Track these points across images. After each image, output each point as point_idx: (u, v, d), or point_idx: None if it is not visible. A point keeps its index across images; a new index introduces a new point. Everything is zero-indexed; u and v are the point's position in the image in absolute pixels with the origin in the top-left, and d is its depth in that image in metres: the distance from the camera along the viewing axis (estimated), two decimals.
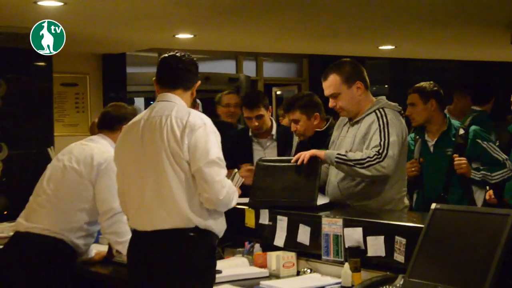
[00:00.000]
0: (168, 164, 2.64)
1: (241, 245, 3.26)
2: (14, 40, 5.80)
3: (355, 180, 3.20)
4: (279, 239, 3.12)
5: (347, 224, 2.83)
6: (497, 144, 4.06)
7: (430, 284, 2.28)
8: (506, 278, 2.21)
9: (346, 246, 2.81)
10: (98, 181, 3.21)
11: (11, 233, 3.40)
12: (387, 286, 2.48)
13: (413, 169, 3.84)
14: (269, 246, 3.13)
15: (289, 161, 3.25)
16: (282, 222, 3.12)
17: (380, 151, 3.09)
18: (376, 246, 2.72)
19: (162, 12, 5.59)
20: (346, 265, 2.72)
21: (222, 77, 9.11)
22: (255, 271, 3.01)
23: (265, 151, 4.22)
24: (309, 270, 2.95)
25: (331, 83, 3.27)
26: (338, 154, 3.14)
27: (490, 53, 8.95)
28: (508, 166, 3.82)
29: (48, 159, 4.66)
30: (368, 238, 2.75)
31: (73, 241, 3.20)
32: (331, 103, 3.31)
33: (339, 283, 2.73)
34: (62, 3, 5.06)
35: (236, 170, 3.09)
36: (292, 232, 3.08)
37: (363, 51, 8.60)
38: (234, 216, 3.37)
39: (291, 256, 2.99)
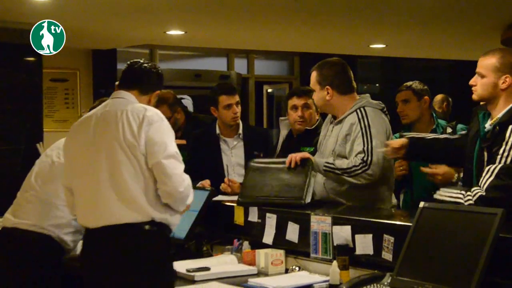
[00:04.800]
0: (124, 156, 2.64)
1: (230, 242, 3.25)
2: (3, 35, 5.77)
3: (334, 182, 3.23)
4: (268, 237, 3.12)
5: (335, 222, 2.84)
6: None
7: (417, 282, 2.28)
8: (492, 276, 2.22)
9: (335, 244, 2.81)
10: None
11: None
12: (375, 284, 2.48)
13: (401, 168, 3.85)
14: (258, 244, 3.13)
15: (280, 162, 3.26)
16: (271, 220, 3.12)
17: (365, 158, 3.13)
18: (364, 244, 2.72)
19: (153, 7, 5.57)
20: (335, 263, 2.72)
21: (213, 74, 9.10)
22: (243, 268, 3.01)
23: (232, 151, 4.14)
24: (297, 268, 2.95)
25: (311, 78, 3.40)
26: (327, 162, 3.19)
27: (481, 53, 8.99)
28: None
29: (37, 154, 4.64)
30: (357, 236, 2.75)
31: (60, 237, 3.18)
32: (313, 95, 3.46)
33: (327, 281, 2.72)
34: None
35: None
36: (281, 229, 3.08)
37: (354, 50, 8.62)
38: (223, 213, 3.39)
39: (279, 253, 2.99)
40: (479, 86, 2.80)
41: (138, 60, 2.93)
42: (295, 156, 3.21)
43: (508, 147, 2.61)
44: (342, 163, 3.16)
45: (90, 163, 2.71)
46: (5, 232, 3.22)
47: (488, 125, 2.77)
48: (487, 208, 2.35)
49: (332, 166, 3.17)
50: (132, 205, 2.64)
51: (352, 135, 3.21)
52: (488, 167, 2.63)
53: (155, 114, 2.71)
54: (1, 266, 3.16)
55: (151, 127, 2.65)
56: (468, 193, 2.64)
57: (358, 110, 3.26)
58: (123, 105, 2.74)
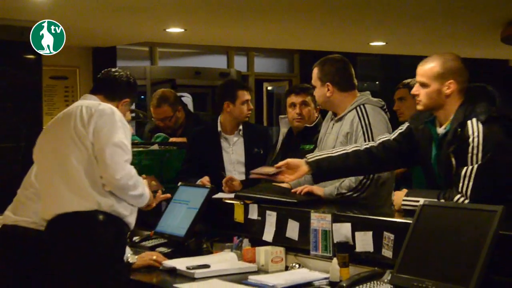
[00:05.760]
0: (73, 145, 2.73)
1: (230, 240, 3.25)
2: (3, 33, 5.77)
3: (339, 181, 3.23)
4: (268, 234, 3.12)
5: (335, 219, 2.84)
6: None
7: (417, 279, 2.28)
8: (493, 273, 2.22)
9: (335, 242, 2.81)
10: None
11: None
12: (375, 282, 2.49)
13: None
14: (258, 241, 3.13)
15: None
16: (271, 217, 3.12)
17: None
18: (364, 241, 2.72)
19: (153, 5, 5.57)
20: (335, 260, 2.72)
21: (213, 72, 9.10)
22: (243, 266, 3.01)
23: (232, 148, 4.15)
24: (297, 265, 2.95)
25: (312, 75, 3.41)
26: (337, 191, 3.19)
27: (480, 50, 9.01)
28: None
29: None
30: (357, 234, 2.75)
31: None
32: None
33: (327, 278, 2.73)
34: None
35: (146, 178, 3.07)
36: (281, 227, 3.08)
37: (354, 47, 8.61)
38: (223, 211, 3.39)
39: (279, 251, 3.00)
40: (422, 96, 2.74)
41: (111, 68, 3.04)
42: (302, 189, 3.23)
43: (475, 144, 2.58)
44: (350, 183, 3.16)
45: (44, 156, 2.84)
46: (6, 230, 3.22)
47: (442, 129, 2.74)
48: (487, 205, 2.35)
49: (343, 192, 3.18)
50: (79, 192, 2.70)
51: (354, 134, 3.22)
52: (464, 171, 2.59)
53: (108, 108, 2.80)
54: (2, 263, 3.16)
55: (101, 118, 2.74)
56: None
57: (357, 108, 3.27)
58: (81, 103, 2.86)
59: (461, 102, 2.71)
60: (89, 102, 2.84)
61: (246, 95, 4.11)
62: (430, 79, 2.72)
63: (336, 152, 3.02)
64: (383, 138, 3.01)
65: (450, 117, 2.71)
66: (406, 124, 2.97)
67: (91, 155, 2.72)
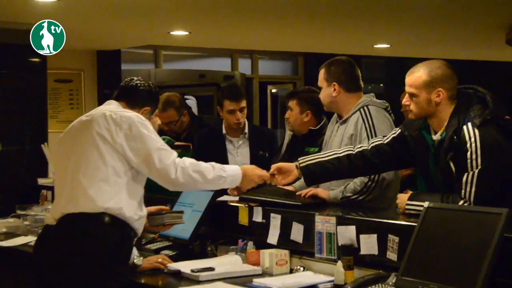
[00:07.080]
0: (93, 147, 2.74)
1: (234, 242, 3.25)
2: (8, 36, 5.78)
3: (344, 184, 3.24)
4: (273, 237, 3.12)
5: (340, 222, 2.84)
6: None
7: (422, 282, 2.28)
8: (498, 276, 2.22)
9: (339, 244, 2.81)
10: None
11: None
12: (379, 284, 2.48)
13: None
14: (262, 244, 3.13)
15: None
16: (276, 220, 3.12)
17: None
18: (369, 244, 2.72)
19: (157, 8, 5.58)
20: (339, 263, 2.71)
21: (218, 74, 9.12)
22: (248, 268, 3.01)
23: (237, 150, 4.14)
24: (302, 268, 2.95)
25: (319, 76, 3.44)
26: (343, 197, 3.20)
27: (485, 53, 8.99)
28: None
29: (42, 155, 4.65)
30: (361, 236, 2.75)
31: None
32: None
33: (332, 281, 2.72)
34: None
35: (164, 211, 3.09)
36: (285, 230, 3.08)
37: (358, 50, 8.61)
38: (227, 213, 3.39)
39: (284, 254, 2.99)
40: (413, 106, 2.75)
41: (134, 77, 3.07)
42: (307, 192, 3.24)
43: (473, 149, 2.59)
44: (355, 186, 3.18)
45: (60, 157, 2.87)
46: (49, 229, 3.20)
47: (437, 136, 2.75)
48: (492, 208, 2.34)
49: (349, 195, 3.19)
50: (89, 194, 2.70)
51: (358, 135, 3.23)
52: (465, 177, 2.61)
53: (133, 115, 2.82)
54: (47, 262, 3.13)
55: (132, 126, 2.75)
56: None
57: (361, 109, 3.28)
58: (105, 108, 2.88)
59: (453, 108, 2.71)
60: (113, 108, 2.86)
61: (231, 105, 4.10)
62: (418, 89, 2.72)
63: (327, 156, 3.04)
64: (376, 141, 3.02)
65: (444, 124, 2.71)
66: (398, 129, 2.98)
67: (113, 157, 2.72)
